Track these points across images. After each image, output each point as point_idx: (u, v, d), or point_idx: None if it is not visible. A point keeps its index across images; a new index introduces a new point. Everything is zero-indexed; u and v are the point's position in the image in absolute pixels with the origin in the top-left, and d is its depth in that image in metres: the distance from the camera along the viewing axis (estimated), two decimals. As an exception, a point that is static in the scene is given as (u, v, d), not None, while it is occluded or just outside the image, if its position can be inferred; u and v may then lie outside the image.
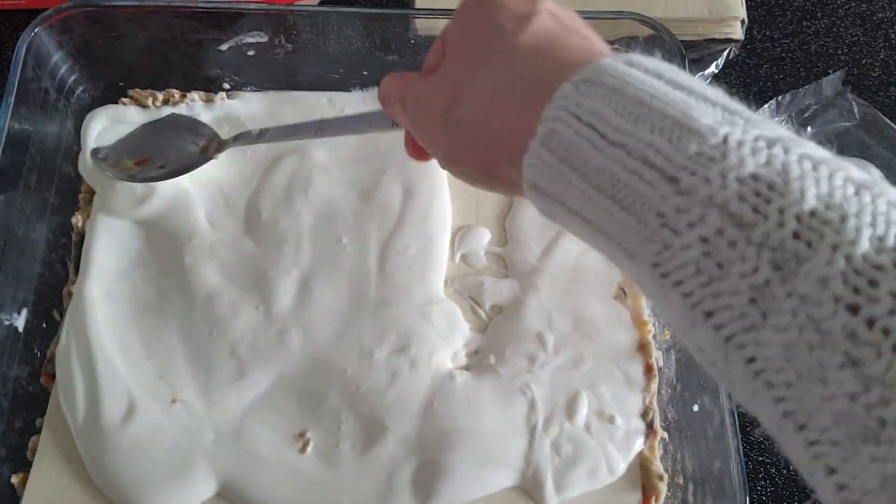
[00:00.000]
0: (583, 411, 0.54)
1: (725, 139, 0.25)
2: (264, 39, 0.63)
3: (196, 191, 0.61)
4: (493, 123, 0.33)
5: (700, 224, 0.25)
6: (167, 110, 0.64)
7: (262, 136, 0.57)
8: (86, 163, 0.61)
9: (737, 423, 0.48)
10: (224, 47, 0.63)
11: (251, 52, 0.64)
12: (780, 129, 0.27)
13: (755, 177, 0.24)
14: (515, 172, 0.32)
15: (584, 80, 0.29)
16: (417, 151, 0.44)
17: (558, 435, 0.53)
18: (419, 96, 0.38)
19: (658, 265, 0.26)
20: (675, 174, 0.26)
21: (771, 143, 0.25)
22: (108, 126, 0.62)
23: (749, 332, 0.24)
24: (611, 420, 0.54)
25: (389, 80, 0.42)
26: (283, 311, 0.56)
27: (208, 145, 0.60)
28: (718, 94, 0.28)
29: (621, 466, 0.53)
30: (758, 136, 0.26)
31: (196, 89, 0.65)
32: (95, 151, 0.60)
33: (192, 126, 0.61)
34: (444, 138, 0.36)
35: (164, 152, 0.59)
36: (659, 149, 0.26)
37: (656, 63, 0.30)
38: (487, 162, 0.35)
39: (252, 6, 0.63)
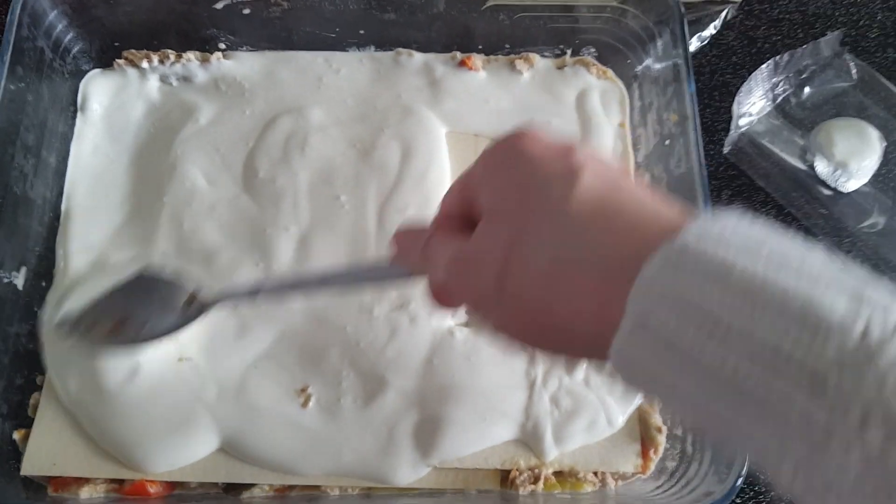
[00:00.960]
0: (582, 366, 0.55)
1: (866, 333, 0.23)
2: (259, -3, 0.63)
3: (191, 151, 0.60)
4: (560, 301, 0.30)
5: (862, 432, 0.22)
6: (161, 70, 0.64)
7: (255, 292, 0.48)
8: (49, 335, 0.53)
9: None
10: (219, 6, 0.63)
11: (246, 11, 0.63)
12: None
13: None
14: (589, 348, 0.30)
15: (674, 263, 0.26)
16: (445, 300, 0.39)
17: (557, 389, 0.54)
18: (462, 257, 0.34)
19: (806, 472, 0.23)
20: (822, 371, 0.23)
21: None
22: (69, 296, 0.54)
23: None
24: (610, 374, 0.54)
25: (405, 236, 0.40)
26: (282, 267, 0.56)
27: (191, 300, 0.50)
28: (828, 262, 0.25)
29: (620, 419, 0.54)
30: None
31: (192, 49, 0.65)
32: (61, 326, 0.51)
33: (168, 281, 0.51)
34: (499, 310, 0.33)
35: (142, 310, 0.50)
36: (793, 342, 0.23)
37: (752, 229, 0.27)
38: (553, 337, 0.32)
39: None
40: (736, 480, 0.45)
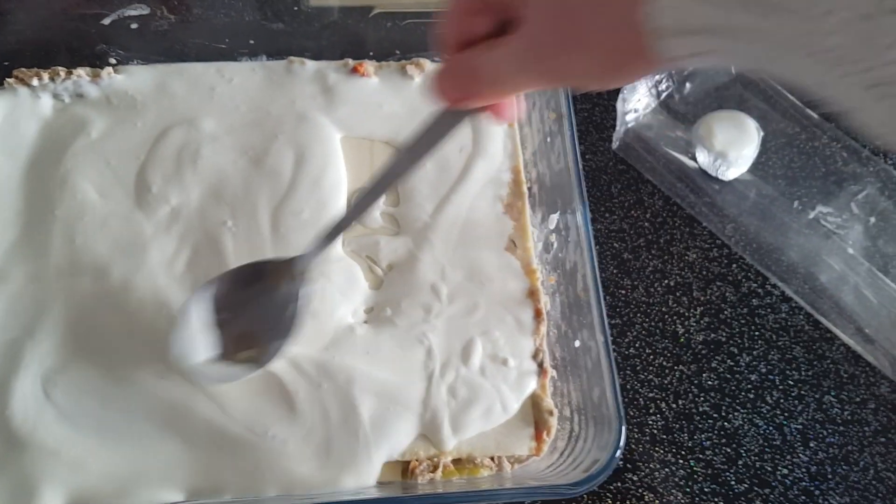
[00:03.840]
0: (477, 356, 0.57)
1: None
2: (146, 11, 0.64)
3: (81, 165, 0.61)
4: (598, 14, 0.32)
5: None
6: (53, 88, 0.64)
7: (350, 217, 0.51)
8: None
9: (611, 353, 0.51)
10: (107, 21, 0.63)
11: (134, 25, 0.64)
12: None
13: None
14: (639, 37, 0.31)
15: None
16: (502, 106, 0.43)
17: (454, 379, 0.56)
18: (517, 55, 0.37)
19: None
20: None
21: None
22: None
23: None
24: (504, 363, 0.57)
25: (446, 77, 0.41)
26: (173, 283, 0.57)
27: (288, 271, 0.52)
28: None
29: (514, 405, 0.56)
30: None
31: (83, 65, 0.65)
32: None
33: (257, 269, 0.53)
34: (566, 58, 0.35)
35: (254, 308, 0.52)
36: None
37: None
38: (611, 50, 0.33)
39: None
40: (615, 450, 0.48)
